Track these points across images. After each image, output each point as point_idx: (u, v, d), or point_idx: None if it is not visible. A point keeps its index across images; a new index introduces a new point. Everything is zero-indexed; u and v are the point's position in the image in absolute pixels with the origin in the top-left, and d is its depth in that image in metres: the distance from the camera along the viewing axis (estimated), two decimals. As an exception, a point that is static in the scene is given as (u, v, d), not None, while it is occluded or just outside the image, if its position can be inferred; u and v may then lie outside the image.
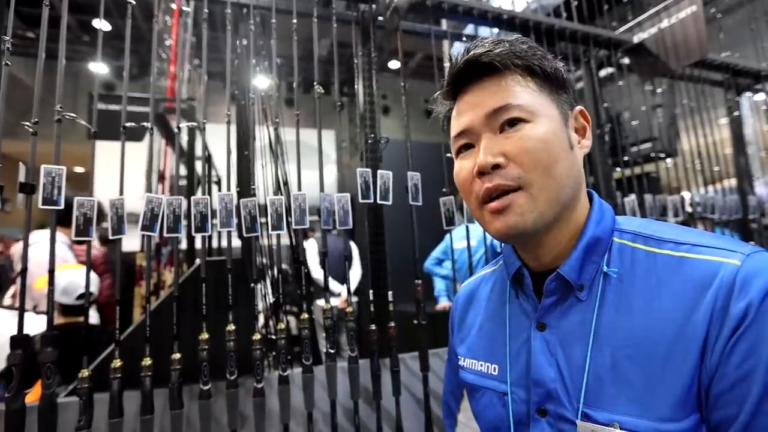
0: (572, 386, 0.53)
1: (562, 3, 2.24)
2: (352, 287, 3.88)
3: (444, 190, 1.60)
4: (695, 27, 2.00)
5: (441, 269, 3.24)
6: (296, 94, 1.47)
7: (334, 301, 3.71)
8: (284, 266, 1.54)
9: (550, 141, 0.54)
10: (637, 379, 0.49)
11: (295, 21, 1.51)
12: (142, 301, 2.98)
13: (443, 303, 3.18)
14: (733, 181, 2.66)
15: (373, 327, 1.43)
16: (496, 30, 2.14)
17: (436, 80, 1.69)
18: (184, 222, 1.27)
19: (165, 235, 1.22)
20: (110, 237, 1.17)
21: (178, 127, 1.30)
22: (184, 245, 2.83)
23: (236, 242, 1.41)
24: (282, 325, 1.34)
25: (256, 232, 1.31)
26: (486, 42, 0.58)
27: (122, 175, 1.24)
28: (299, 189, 1.38)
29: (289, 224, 1.36)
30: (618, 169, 2.32)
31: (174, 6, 2.66)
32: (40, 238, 2.37)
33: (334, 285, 3.96)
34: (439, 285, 3.24)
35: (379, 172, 1.47)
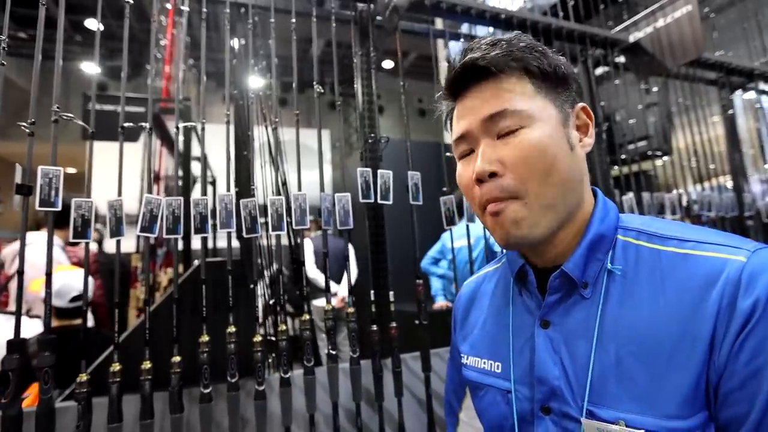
0: (576, 384, 0.53)
1: (558, 2, 2.25)
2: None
3: (444, 189, 1.59)
4: (691, 26, 2.01)
5: (437, 269, 3.24)
6: (295, 94, 1.46)
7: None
8: (277, 267, 1.53)
9: (546, 145, 0.53)
10: (642, 376, 0.49)
11: (294, 21, 1.50)
12: (137, 303, 2.95)
13: (440, 302, 3.18)
14: (729, 178, 2.68)
15: (374, 327, 1.42)
16: (491, 29, 2.14)
17: (434, 80, 1.69)
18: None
19: (164, 236, 1.21)
20: (109, 238, 1.15)
21: (177, 127, 1.29)
22: (180, 246, 2.81)
23: (234, 243, 1.39)
24: (283, 327, 1.33)
25: (256, 233, 1.30)
26: (483, 43, 0.57)
27: (120, 176, 1.23)
28: (299, 189, 1.37)
29: (289, 224, 1.35)
30: (615, 167, 2.33)
31: (169, 6, 2.64)
32: (33, 239, 2.34)
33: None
34: (436, 284, 3.24)
35: (379, 171, 1.46)
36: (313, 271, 3.84)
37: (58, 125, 1.14)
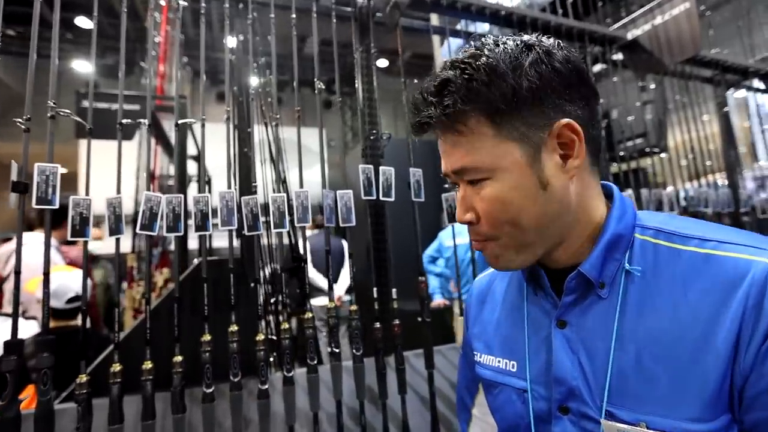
0: (595, 384, 0.52)
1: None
2: (345, 286, 3.86)
3: (446, 186, 1.59)
4: (689, 24, 2.02)
5: (435, 267, 3.25)
6: (296, 91, 1.44)
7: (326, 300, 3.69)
8: (279, 265, 1.52)
9: (509, 199, 0.53)
10: (664, 378, 0.48)
11: (294, 16, 1.48)
12: (133, 303, 2.91)
13: (437, 300, 3.19)
14: (724, 175, 2.70)
15: (377, 325, 1.41)
16: (486, 26, 2.14)
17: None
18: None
19: (165, 234, 1.19)
20: (108, 237, 1.13)
21: (177, 124, 1.27)
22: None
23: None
24: (285, 325, 1.32)
25: (258, 231, 1.28)
26: (430, 93, 0.53)
27: (119, 173, 1.21)
28: (301, 186, 1.35)
29: (291, 222, 1.33)
30: (614, 164, 2.34)
31: (162, 2, 2.61)
32: (27, 240, 2.30)
33: (324, 283, 3.93)
34: (433, 283, 3.25)
35: (381, 168, 1.45)
36: (311, 270, 3.82)
37: (54, 121, 1.12)
